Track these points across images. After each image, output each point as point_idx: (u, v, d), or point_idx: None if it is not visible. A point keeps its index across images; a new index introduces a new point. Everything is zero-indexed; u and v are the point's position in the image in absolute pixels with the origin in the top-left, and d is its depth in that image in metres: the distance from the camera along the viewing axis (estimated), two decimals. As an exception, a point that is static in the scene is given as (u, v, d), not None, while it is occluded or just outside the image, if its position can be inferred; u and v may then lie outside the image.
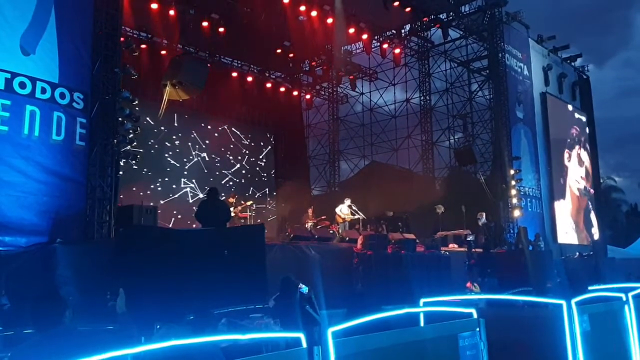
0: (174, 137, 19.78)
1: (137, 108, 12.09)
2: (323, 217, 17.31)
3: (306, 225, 16.55)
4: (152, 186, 18.55)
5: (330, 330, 3.81)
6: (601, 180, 28.67)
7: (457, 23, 21.80)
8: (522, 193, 20.94)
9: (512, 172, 20.37)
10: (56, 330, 3.61)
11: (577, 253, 21.60)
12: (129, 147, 11.60)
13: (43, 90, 9.96)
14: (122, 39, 11.93)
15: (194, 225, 13.31)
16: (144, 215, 11.06)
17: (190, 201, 19.11)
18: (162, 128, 19.08)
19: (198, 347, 4.27)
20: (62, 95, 10.20)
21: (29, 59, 9.87)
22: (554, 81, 24.93)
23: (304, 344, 3.66)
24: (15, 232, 9.22)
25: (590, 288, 7.57)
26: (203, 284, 8.79)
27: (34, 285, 7.16)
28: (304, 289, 7.30)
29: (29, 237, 9.33)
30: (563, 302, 5.48)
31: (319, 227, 16.62)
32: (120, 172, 11.44)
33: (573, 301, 5.46)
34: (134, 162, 12.41)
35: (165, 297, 5.93)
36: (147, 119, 15.92)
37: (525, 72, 23.01)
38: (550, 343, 5.48)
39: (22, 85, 9.71)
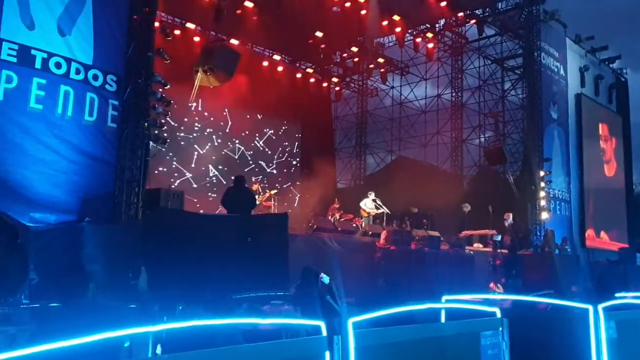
0: (202, 123, 19.91)
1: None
2: (350, 216, 17.26)
3: (329, 217, 16.55)
4: (178, 171, 18.73)
5: (350, 321, 3.80)
6: (634, 187, 28.00)
7: (493, 19, 21.46)
8: (551, 195, 20.59)
9: (542, 173, 20.03)
10: (80, 303, 3.67)
11: (606, 259, 21.18)
12: (159, 130, 11.69)
13: (77, 71, 10.10)
14: (157, 23, 12.00)
15: (219, 212, 13.39)
16: (170, 199, 11.16)
17: (215, 188, 19.23)
18: (193, 113, 19.24)
19: (218, 329, 4.30)
20: (96, 77, 10.33)
21: (64, 39, 10.00)
22: (590, 83, 24.40)
23: (324, 333, 3.66)
24: (45, 209, 9.38)
25: (617, 295, 7.43)
26: (225, 268, 8.87)
27: (61, 261, 7.28)
28: (325, 278, 7.30)
29: (58, 215, 9.49)
30: (590, 307, 5.37)
31: (342, 219, 16.60)
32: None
33: (600, 307, 5.35)
34: (163, 146, 12.53)
35: (187, 279, 5.98)
36: (178, 104, 16.00)
37: (562, 72, 22.57)
38: (574, 348, 5.39)
39: (58, 65, 9.86)
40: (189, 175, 18.98)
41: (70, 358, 2.79)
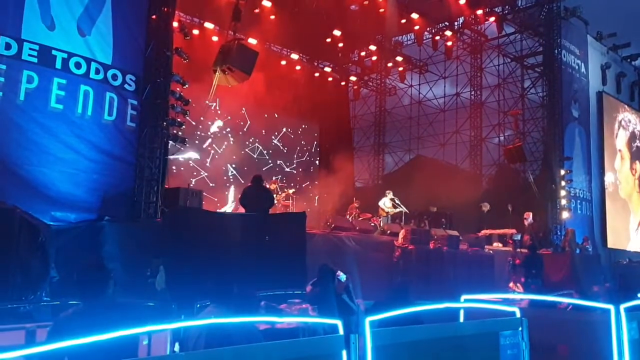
0: (221, 122, 20.00)
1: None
2: (368, 215, 17.23)
3: (347, 217, 16.53)
4: (196, 171, 18.85)
5: (368, 320, 3.78)
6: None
7: (512, 17, 21.26)
8: (572, 195, 20.34)
9: (562, 172, 19.80)
10: (99, 301, 3.70)
11: (628, 259, 20.89)
12: (178, 129, 11.76)
13: (97, 71, 10.19)
14: (175, 23, 12.07)
15: (237, 211, 13.44)
16: (189, 197, 11.23)
17: (234, 187, 19.31)
18: (212, 112, 19.33)
19: (238, 327, 4.32)
20: (115, 77, 10.41)
21: (84, 40, 10.10)
22: (612, 80, 24.07)
23: (341, 331, 3.65)
24: (66, 207, 9.48)
25: (640, 295, 7.31)
26: (244, 267, 8.90)
27: (82, 259, 7.35)
28: (342, 277, 7.28)
29: (79, 213, 9.59)
30: (611, 307, 5.28)
31: (360, 219, 16.57)
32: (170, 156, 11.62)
33: (622, 307, 5.26)
34: (182, 145, 12.60)
35: (206, 278, 6.00)
36: (196, 103, 16.10)
37: (583, 69, 22.28)
38: (595, 348, 5.30)
39: (78, 65, 9.96)
40: (207, 174, 19.08)
41: (89, 355, 2.81)
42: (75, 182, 9.74)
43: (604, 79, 23.53)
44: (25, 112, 9.28)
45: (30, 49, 9.36)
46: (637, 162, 25.44)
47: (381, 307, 6.04)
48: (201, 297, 5.17)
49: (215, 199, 18.26)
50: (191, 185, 16.55)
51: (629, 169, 25.01)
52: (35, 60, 9.42)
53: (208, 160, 19.33)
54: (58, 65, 9.69)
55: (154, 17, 11.18)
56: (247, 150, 20.68)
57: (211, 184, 18.94)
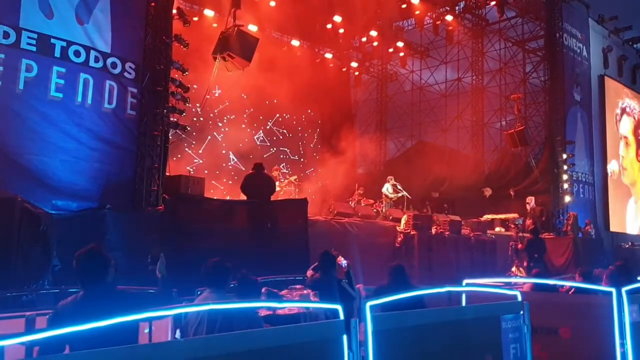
0: (222, 109, 19.94)
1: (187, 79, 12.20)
2: (371, 201, 17.23)
3: (350, 203, 16.54)
4: (198, 157, 18.83)
5: (368, 304, 3.78)
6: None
7: (513, 1, 21.09)
8: (574, 178, 20.31)
9: (564, 156, 19.75)
10: (98, 289, 3.70)
11: (630, 242, 20.90)
12: (178, 117, 11.74)
13: (96, 59, 10.15)
14: (175, 10, 11.99)
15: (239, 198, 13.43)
16: (191, 185, 11.19)
17: (235, 173, 19.29)
18: (212, 99, 19.24)
19: (239, 312, 4.33)
20: (114, 65, 10.37)
21: (83, 28, 10.04)
22: (613, 63, 23.94)
23: (342, 316, 3.66)
24: (67, 196, 9.48)
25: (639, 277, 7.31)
26: (246, 253, 8.93)
27: (81, 247, 7.39)
28: (343, 262, 7.29)
29: (80, 202, 9.58)
30: (613, 290, 5.30)
31: (363, 204, 16.58)
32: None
33: (624, 290, 5.27)
34: (183, 132, 12.58)
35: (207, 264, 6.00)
36: (196, 90, 16.05)
37: (584, 53, 22.14)
38: (597, 331, 5.33)
39: (77, 53, 9.91)
40: (208, 161, 19.04)
41: (90, 342, 2.81)
42: (76, 171, 9.73)
43: (605, 62, 23.40)
44: (24, 101, 9.25)
45: (29, 37, 9.30)
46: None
47: (382, 292, 6.05)
48: (202, 284, 5.18)
49: (219, 186, 18.26)
50: (192, 172, 16.56)
51: (634, 156, 24.96)
52: (34, 49, 9.36)
53: (206, 147, 19.26)
54: (57, 53, 9.64)
55: (152, 4, 11.11)
56: (247, 137, 20.62)
57: (214, 172, 18.91)
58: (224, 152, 19.73)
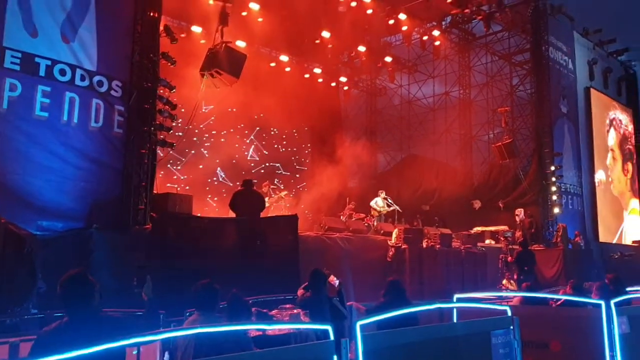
0: (210, 126, 19.88)
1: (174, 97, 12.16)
2: (362, 215, 17.19)
3: (341, 217, 16.50)
4: (186, 175, 18.72)
5: (358, 324, 3.74)
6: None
7: (499, 15, 21.31)
8: (562, 190, 20.41)
9: (552, 168, 19.86)
10: (84, 314, 3.62)
11: (619, 253, 20.97)
12: (165, 135, 11.66)
13: (82, 78, 10.09)
14: (162, 27, 11.97)
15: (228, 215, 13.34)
16: (179, 203, 11.12)
17: (224, 190, 19.21)
18: (200, 116, 19.19)
19: (228, 335, 4.26)
20: (100, 83, 10.31)
21: (68, 46, 9.99)
22: (599, 76, 24.22)
23: (332, 337, 3.60)
24: (52, 216, 9.37)
25: (629, 289, 7.32)
26: (235, 272, 8.82)
27: (70, 269, 7.28)
28: (336, 282, 7.21)
29: (66, 222, 9.47)
30: (602, 303, 5.31)
31: (354, 219, 16.54)
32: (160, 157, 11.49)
33: (612, 302, 5.28)
34: (170, 149, 12.50)
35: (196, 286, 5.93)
36: (184, 107, 16.03)
37: (570, 65, 22.37)
38: (587, 344, 5.34)
39: (62, 72, 9.85)
40: (197, 178, 18.93)
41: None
42: (62, 191, 9.62)
43: (591, 75, 23.66)
44: (8, 120, 9.16)
45: (13, 56, 9.23)
46: (629, 163, 25.70)
47: (383, 309, 5.99)
48: (190, 305, 5.10)
49: (212, 201, 18.15)
50: (180, 190, 16.45)
51: (620, 170, 25.20)
52: (17, 67, 9.29)
53: (195, 164, 19.16)
54: (42, 72, 9.58)
55: (139, 22, 11.08)
56: (236, 153, 20.55)
57: (203, 188, 18.79)
58: (212, 168, 19.64)
